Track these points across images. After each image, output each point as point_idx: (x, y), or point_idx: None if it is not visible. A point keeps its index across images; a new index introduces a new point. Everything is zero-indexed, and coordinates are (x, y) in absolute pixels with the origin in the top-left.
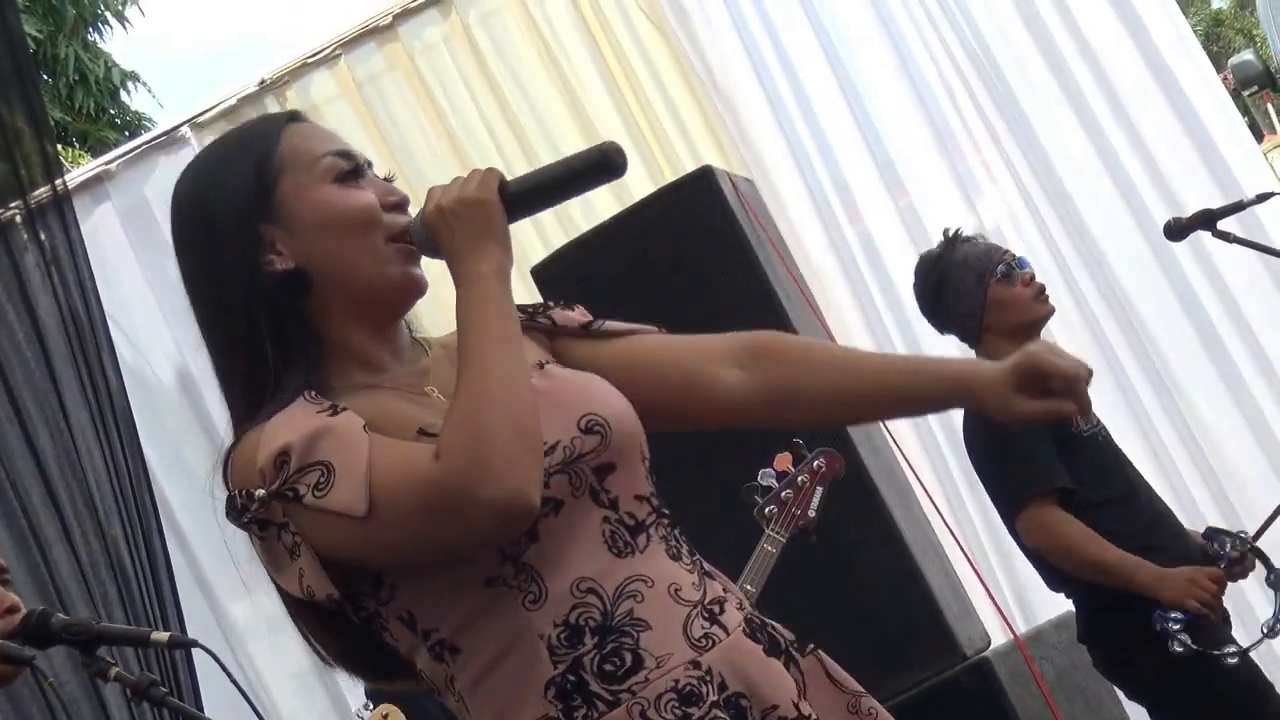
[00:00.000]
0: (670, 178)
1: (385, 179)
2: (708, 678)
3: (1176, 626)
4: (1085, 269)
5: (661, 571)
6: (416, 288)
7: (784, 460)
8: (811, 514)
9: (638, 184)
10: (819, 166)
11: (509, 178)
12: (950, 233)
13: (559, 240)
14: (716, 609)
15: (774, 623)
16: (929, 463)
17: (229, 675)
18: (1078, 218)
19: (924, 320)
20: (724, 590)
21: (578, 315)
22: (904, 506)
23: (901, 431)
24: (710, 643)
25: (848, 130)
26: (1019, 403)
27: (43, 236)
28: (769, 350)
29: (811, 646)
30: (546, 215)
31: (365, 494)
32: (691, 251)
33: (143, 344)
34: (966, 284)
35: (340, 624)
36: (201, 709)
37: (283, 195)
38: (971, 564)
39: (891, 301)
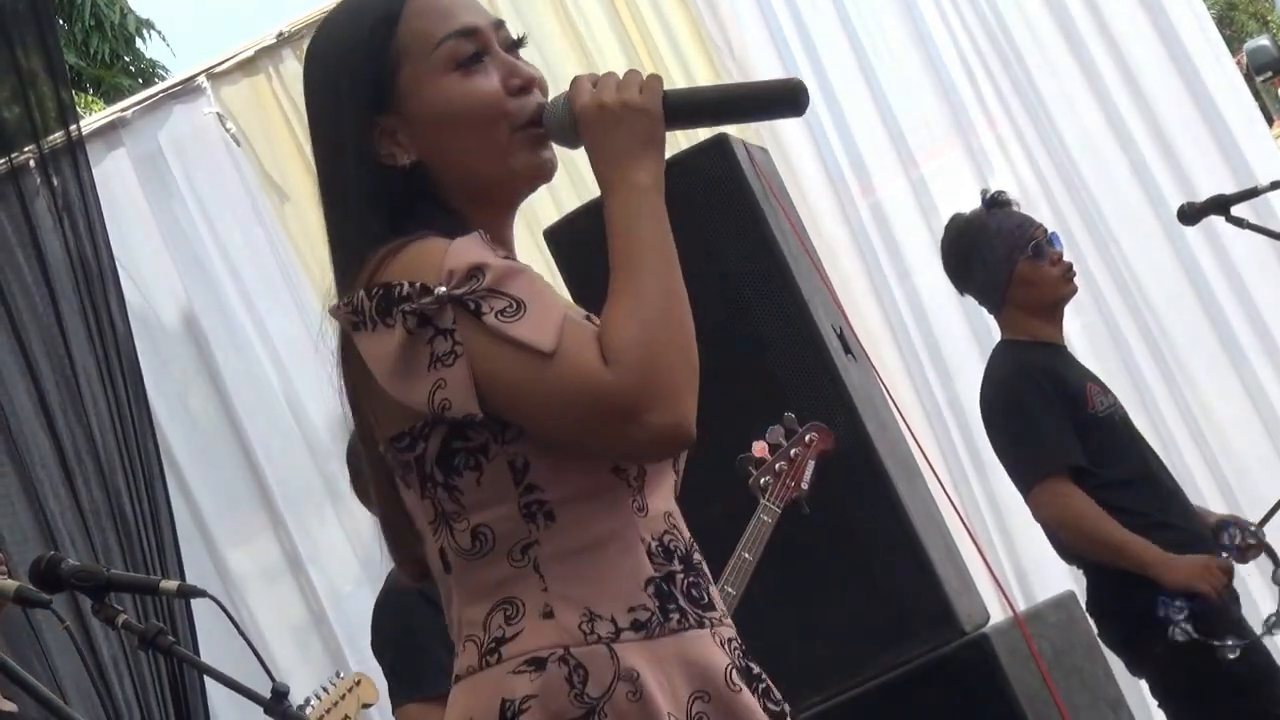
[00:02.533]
0: (685, 145)
1: (516, 42)
2: (747, 649)
3: (1180, 615)
4: (1095, 249)
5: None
6: (545, 174)
7: (776, 433)
8: (804, 486)
9: None
10: (833, 138)
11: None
12: (988, 195)
13: (570, 202)
14: None
15: None
16: (935, 440)
17: (235, 625)
18: (1089, 197)
19: (931, 293)
20: None
21: None
22: (908, 482)
23: (909, 408)
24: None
25: (863, 102)
26: None
27: (55, 181)
28: None
29: None
30: (560, 176)
31: (555, 336)
32: (704, 219)
33: (151, 292)
34: (995, 255)
35: (395, 462)
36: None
37: (403, 86)
38: (974, 540)
39: (900, 273)
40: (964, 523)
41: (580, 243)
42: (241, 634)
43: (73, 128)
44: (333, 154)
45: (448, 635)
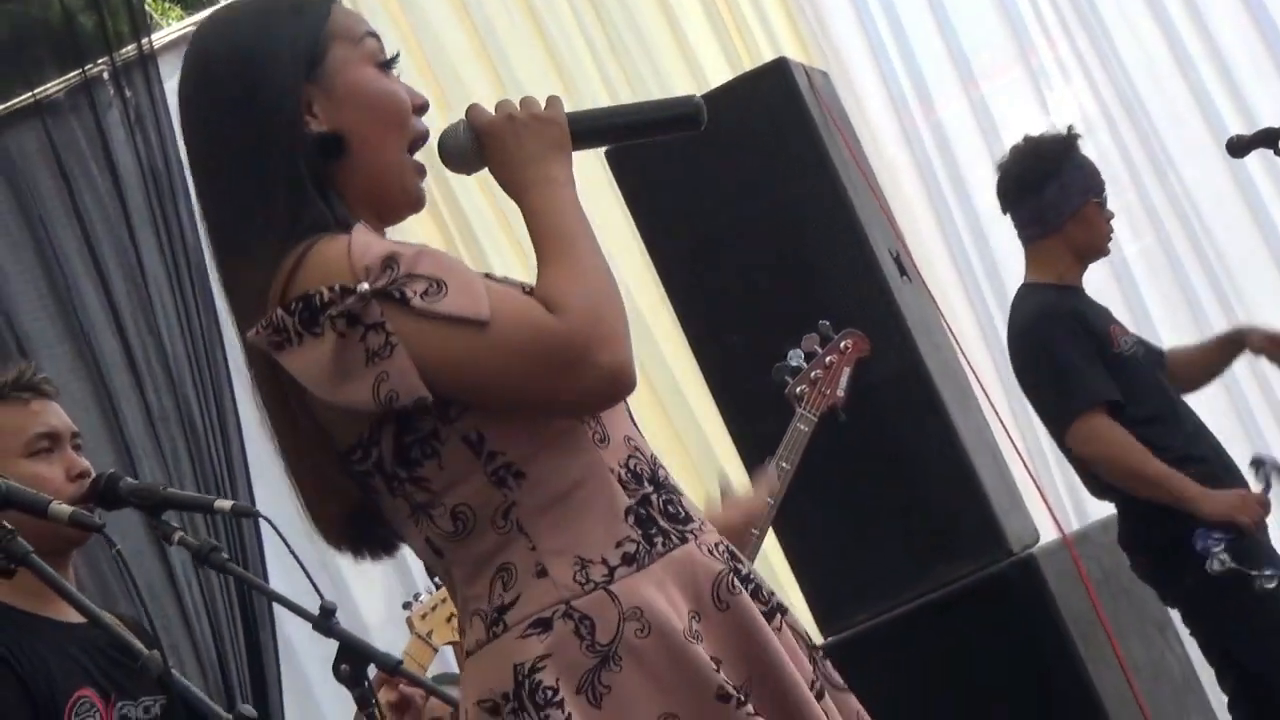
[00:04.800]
0: (748, 67)
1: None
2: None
3: (1219, 546)
4: (1154, 173)
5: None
6: (419, 204)
7: (810, 341)
8: (840, 393)
9: (715, 72)
10: (896, 59)
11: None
12: (1072, 130)
13: None
14: None
15: None
16: (992, 363)
17: (285, 542)
18: (1149, 122)
19: (991, 215)
20: None
21: None
22: (961, 403)
23: (966, 331)
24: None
25: (925, 23)
26: None
27: (128, 94)
28: None
29: None
30: (623, 92)
31: (486, 302)
32: (763, 143)
33: None
34: (1073, 187)
35: (356, 474)
36: (268, 578)
37: (331, 62)
38: (1024, 461)
39: (961, 196)
40: (1014, 444)
41: (643, 162)
42: (291, 552)
43: (145, 40)
44: (253, 116)
45: None
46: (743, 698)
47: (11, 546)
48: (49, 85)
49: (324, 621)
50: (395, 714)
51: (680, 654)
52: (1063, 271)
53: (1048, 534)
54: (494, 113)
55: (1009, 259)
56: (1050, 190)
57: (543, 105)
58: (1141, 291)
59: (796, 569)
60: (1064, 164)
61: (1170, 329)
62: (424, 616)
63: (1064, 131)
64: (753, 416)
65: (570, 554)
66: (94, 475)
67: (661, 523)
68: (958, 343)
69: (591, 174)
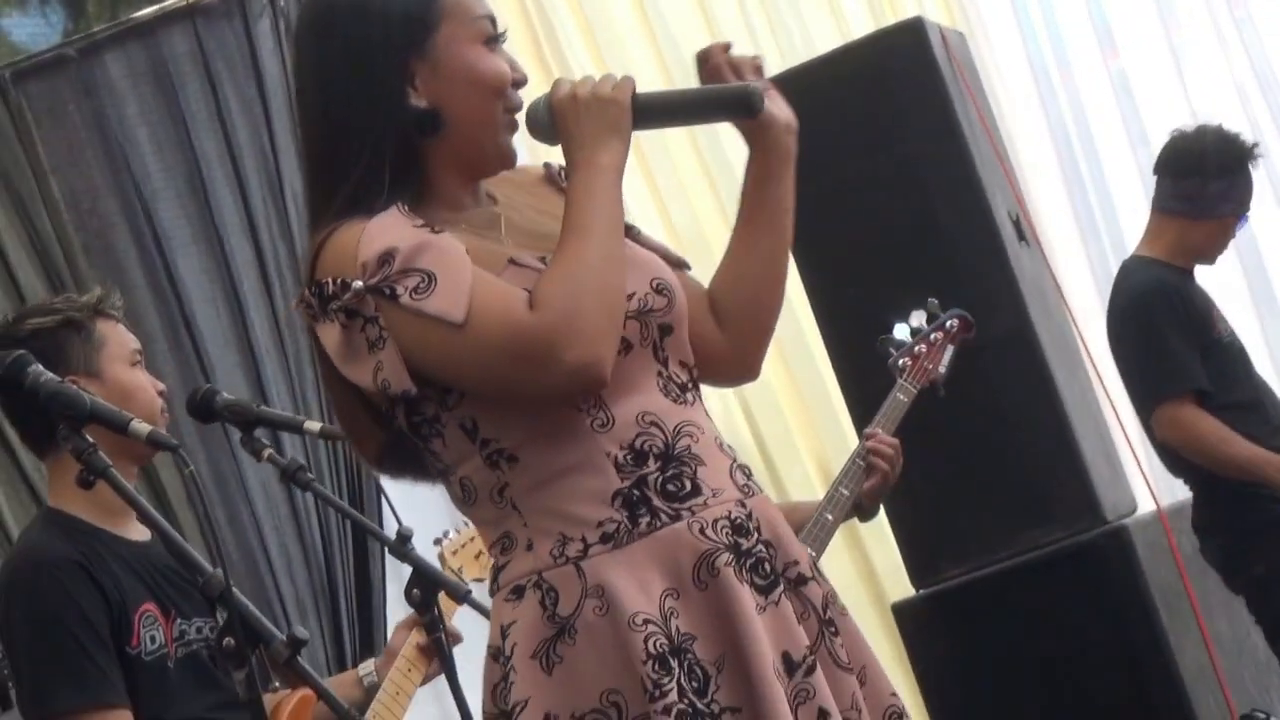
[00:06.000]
0: (892, 20)
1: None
2: (750, 518)
3: None
4: None
5: (706, 425)
6: (510, 159)
7: (918, 317)
8: (942, 370)
9: (859, 23)
10: (1038, 24)
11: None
12: (1257, 145)
13: (773, 61)
14: (747, 471)
15: None
16: (1102, 331)
17: (369, 469)
18: None
19: (1122, 186)
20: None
21: None
22: (1068, 370)
23: (1087, 299)
24: (750, 492)
25: None
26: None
27: (280, 2)
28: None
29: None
30: (765, 37)
31: (465, 305)
32: (891, 100)
33: None
34: (1237, 193)
35: (388, 423)
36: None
37: (440, 39)
38: (1124, 431)
39: (1092, 165)
40: (1117, 415)
41: None
42: (375, 478)
43: None
44: (354, 82)
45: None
46: (663, 691)
47: (93, 460)
48: None
49: (399, 546)
50: (425, 655)
51: (624, 639)
52: (1177, 255)
53: (1146, 505)
54: (566, 87)
55: (1136, 232)
56: (1220, 183)
57: (611, 85)
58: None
59: (893, 520)
60: (1240, 169)
61: None
62: (454, 553)
63: (1248, 140)
64: (863, 369)
65: (554, 532)
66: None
67: (655, 502)
68: (1069, 310)
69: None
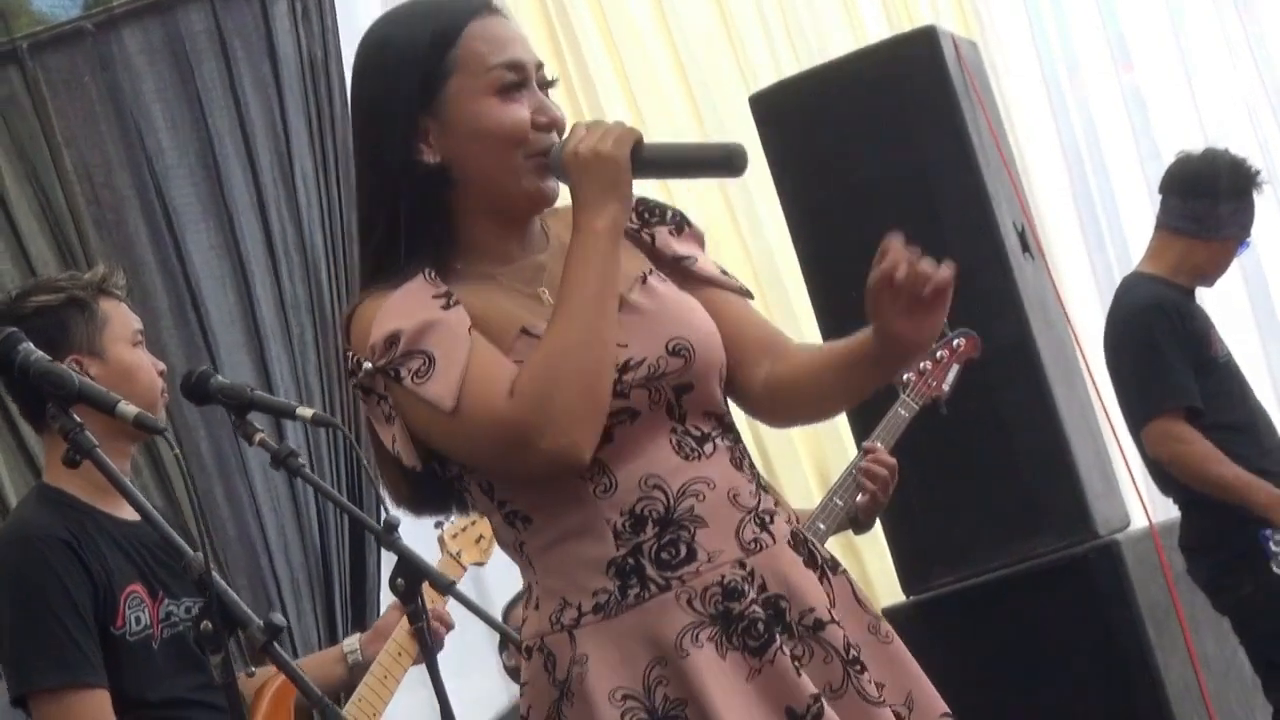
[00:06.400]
0: (907, 27)
1: (549, 82)
2: (750, 578)
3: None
4: None
5: (724, 476)
6: (545, 200)
7: None
8: (945, 388)
9: (876, 28)
10: (1051, 34)
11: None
12: (1261, 174)
13: (788, 63)
14: (768, 518)
15: (814, 541)
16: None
17: (360, 456)
18: None
19: (1129, 199)
20: (775, 504)
21: (678, 244)
22: (1066, 383)
23: (1090, 312)
24: (758, 547)
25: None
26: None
27: None
28: (782, 355)
29: (843, 567)
30: (780, 39)
31: (455, 393)
32: (902, 108)
33: None
34: (1241, 217)
35: (416, 477)
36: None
37: (448, 94)
38: (1120, 446)
39: (1101, 178)
40: (1113, 427)
41: (785, 111)
42: (365, 465)
43: None
44: (371, 140)
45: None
46: None
47: (79, 439)
48: None
49: (386, 535)
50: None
51: (600, 714)
52: (1177, 274)
53: (1139, 521)
54: (572, 140)
55: (1142, 247)
56: (1227, 205)
57: (614, 139)
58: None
59: (887, 525)
60: (1248, 193)
61: None
62: (454, 536)
63: (1255, 166)
64: None
65: (558, 595)
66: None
67: (648, 570)
68: (1070, 323)
69: (734, 113)
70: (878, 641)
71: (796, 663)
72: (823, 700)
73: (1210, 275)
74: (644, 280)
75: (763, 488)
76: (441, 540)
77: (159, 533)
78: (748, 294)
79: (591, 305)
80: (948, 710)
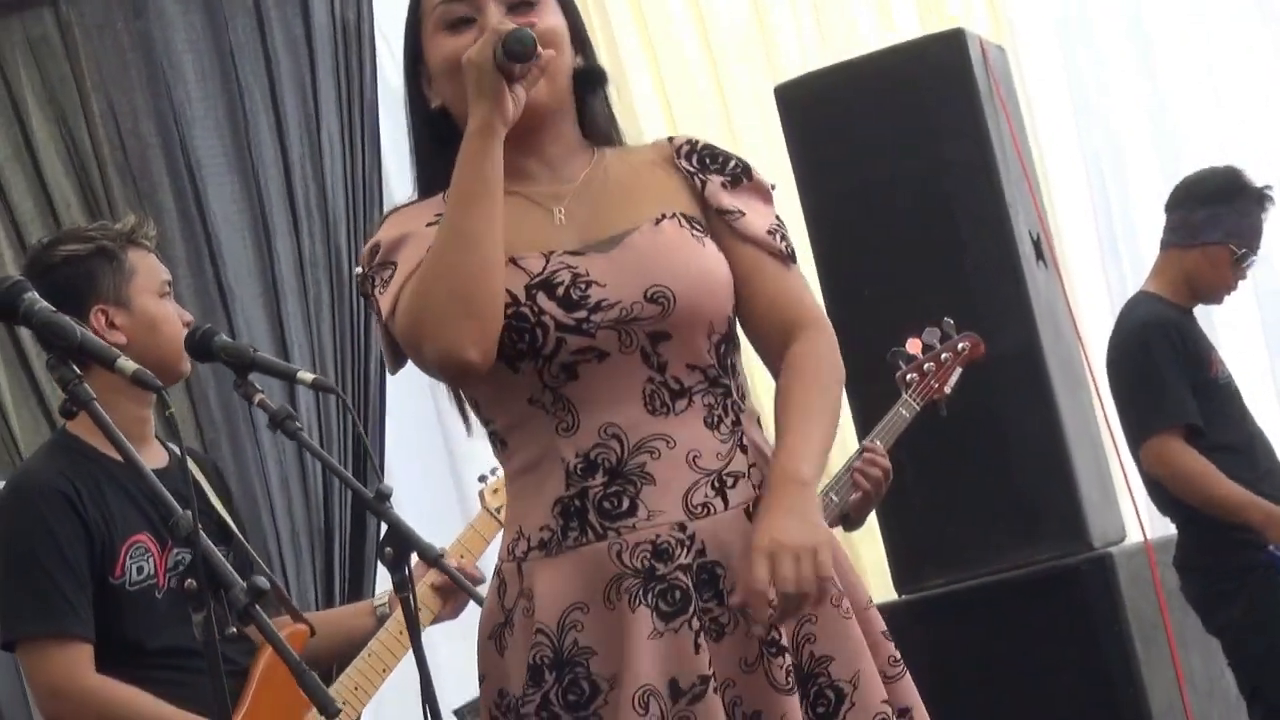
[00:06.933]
0: (940, 26)
1: (520, 4)
2: (688, 542)
3: None
4: None
5: (688, 435)
6: (531, 112)
7: (931, 334)
8: (947, 390)
9: (907, 25)
10: (1077, 43)
11: None
12: (1267, 188)
13: (818, 57)
14: (729, 481)
15: None
16: None
17: (358, 423)
18: None
19: (1148, 213)
20: (750, 466)
21: (727, 197)
22: (1071, 393)
23: (1102, 324)
24: (706, 512)
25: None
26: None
27: None
28: (785, 362)
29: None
30: (811, 33)
31: (393, 300)
32: (927, 107)
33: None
34: (1223, 223)
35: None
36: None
37: (424, 42)
38: (1120, 459)
39: (1120, 187)
40: (1114, 440)
41: (809, 104)
42: (362, 433)
43: None
44: (407, 85)
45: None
46: (526, 699)
47: (77, 391)
48: None
49: (377, 503)
50: (439, 596)
51: (529, 644)
52: (1177, 292)
53: (1134, 535)
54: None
55: None
56: (1203, 210)
57: (484, 39)
58: None
59: (882, 522)
60: (1231, 200)
61: None
62: (495, 491)
63: (1260, 184)
64: (870, 371)
65: (517, 523)
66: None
67: (590, 516)
68: (1079, 334)
69: (759, 104)
70: (838, 615)
71: (712, 634)
72: (710, 684)
73: (1206, 289)
74: (657, 221)
75: (742, 447)
76: (482, 495)
77: (150, 487)
78: (789, 258)
79: (458, 206)
80: (887, 698)
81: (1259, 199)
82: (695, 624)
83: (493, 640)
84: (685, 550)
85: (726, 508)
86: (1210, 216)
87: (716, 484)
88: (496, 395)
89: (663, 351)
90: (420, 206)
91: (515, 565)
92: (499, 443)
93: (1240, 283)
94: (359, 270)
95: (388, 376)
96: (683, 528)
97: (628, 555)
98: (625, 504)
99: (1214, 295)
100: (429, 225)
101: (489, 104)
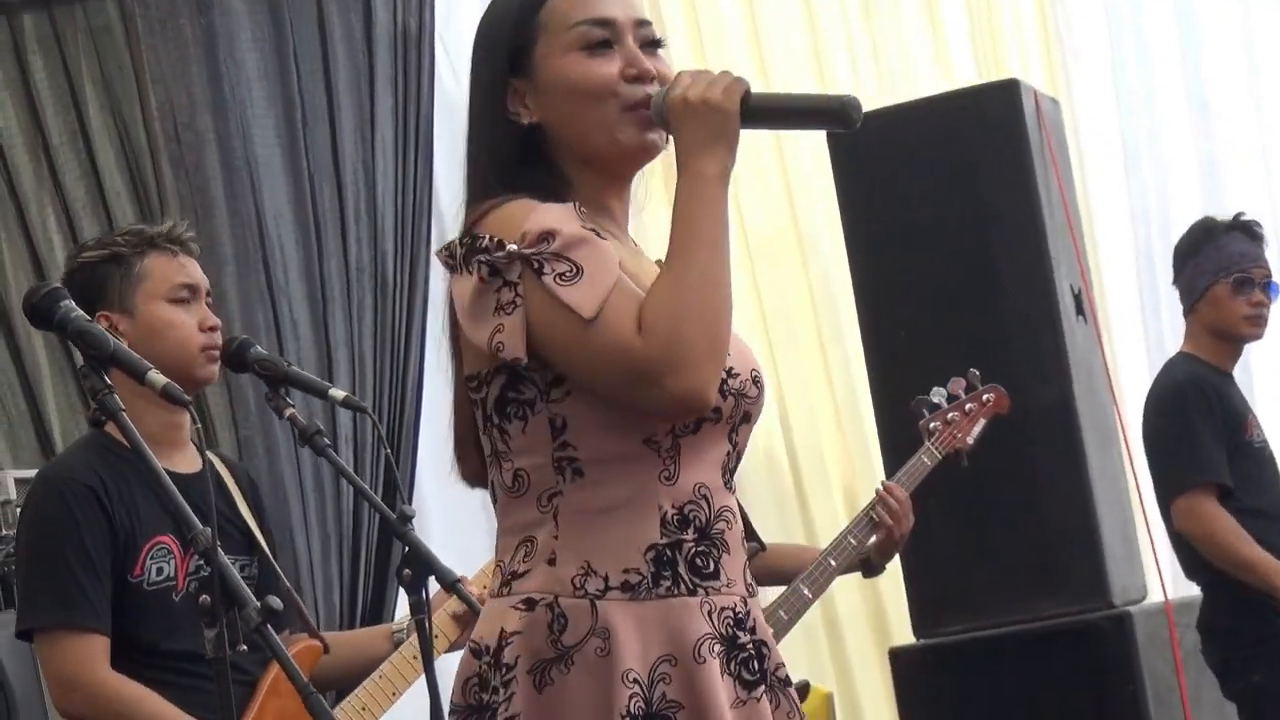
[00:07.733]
0: (997, 76)
1: (654, 42)
2: (749, 617)
3: None
4: None
5: (737, 516)
6: (647, 152)
7: (957, 385)
8: (970, 441)
9: (964, 73)
10: (1134, 99)
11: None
12: (1237, 217)
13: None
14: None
15: None
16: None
17: (384, 443)
18: None
19: None
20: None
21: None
22: (1101, 449)
23: (1135, 380)
24: (752, 592)
25: (1170, 63)
26: None
27: None
28: None
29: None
30: (869, 74)
31: (598, 306)
32: (977, 156)
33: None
34: (1204, 267)
35: (469, 399)
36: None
37: (537, 56)
38: (1146, 518)
39: (1166, 245)
40: (1141, 500)
41: (860, 143)
42: (389, 454)
43: None
44: (475, 105)
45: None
46: None
47: (106, 401)
48: None
49: (399, 525)
50: (458, 624)
51: (612, 688)
52: (1207, 350)
53: (1155, 595)
54: (680, 88)
55: None
56: (1187, 271)
57: (723, 89)
58: None
59: (906, 567)
60: (1203, 245)
61: None
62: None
63: (1234, 215)
64: (903, 411)
65: (582, 559)
66: (218, 330)
67: (680, 569)
68: (1114, 390)
69: (810, 144)
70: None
71: (772, 709)
72: None
73: (1228, 329)
74: None
75: None
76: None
77: (171, 502)
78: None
79: (709, 246)
80: None
81: (1228, 229)
82: (767, 698)
83: (533, 676)
84: (749, 623)
85: (755, 595)
86: (1194, 269)
87: (747, 570)
88: (604, 423)
89: (739, 433)
90: (567, 209)
91: (587, 602)
92: (570, 472)
93: (1260, 305)
94: (511, 246)
95: (425, 388)
96: (745, 601)
97: (716, 618)
98: (711, 566)
99: (1238, 331)
100: (597, 236)
101: (729, 151)
